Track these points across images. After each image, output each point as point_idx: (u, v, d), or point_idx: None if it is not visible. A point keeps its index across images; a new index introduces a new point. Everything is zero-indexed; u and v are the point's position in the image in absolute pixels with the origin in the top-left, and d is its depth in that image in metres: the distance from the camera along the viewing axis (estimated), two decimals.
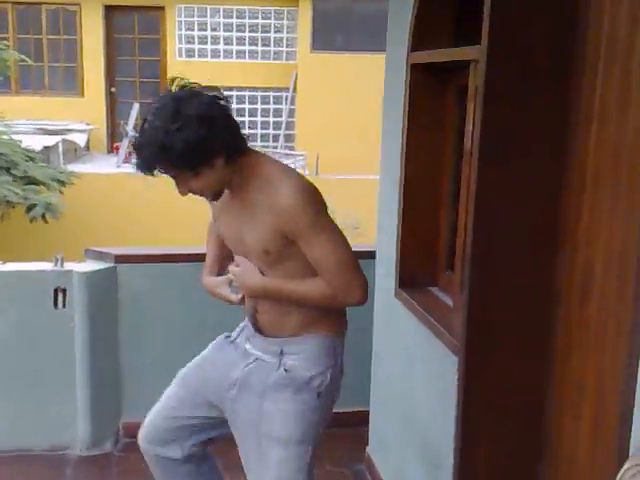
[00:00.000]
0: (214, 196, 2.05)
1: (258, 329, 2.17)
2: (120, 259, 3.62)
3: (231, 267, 2.15)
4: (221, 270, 2.27)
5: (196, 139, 1.86)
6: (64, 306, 3.41)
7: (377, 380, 3.40)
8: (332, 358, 2.15)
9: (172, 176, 1.97)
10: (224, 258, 2.29)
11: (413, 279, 2.93)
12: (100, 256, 3.66)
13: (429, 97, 2.87)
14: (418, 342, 2.76)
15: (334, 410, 3.65)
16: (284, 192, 1.95)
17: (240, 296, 2.17)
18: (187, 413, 2.27)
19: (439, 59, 2.73)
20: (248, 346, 2.20)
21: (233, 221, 2.10)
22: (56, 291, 3.40)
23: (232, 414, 2.19)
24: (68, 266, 3.47)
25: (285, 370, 2.10)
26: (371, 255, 3.43)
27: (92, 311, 3.44)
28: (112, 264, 3.58)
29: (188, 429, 2.28)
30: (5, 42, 9.70)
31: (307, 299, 2.06)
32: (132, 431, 3.58)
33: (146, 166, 1.92)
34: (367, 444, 3.49)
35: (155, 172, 1.94)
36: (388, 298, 3.09)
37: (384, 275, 3.21)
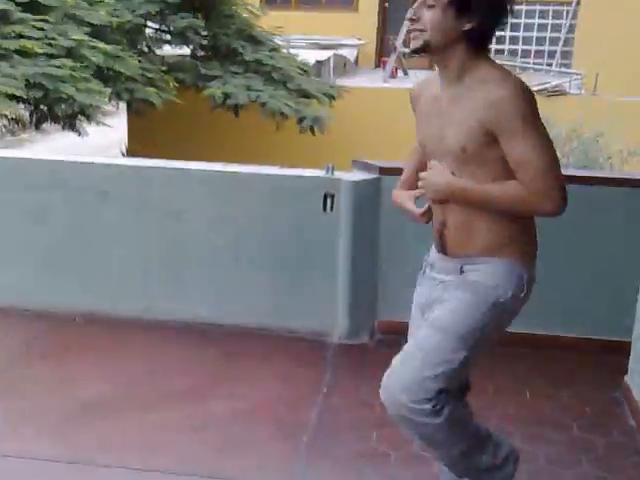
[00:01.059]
0: (422, 47, 2.00)
1: (443, 248, 2.16)
2: (384, 171, 3.81)
3: (422, 173, 2.13)
4: (414, 187, 2.24)
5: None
6: (332, 210, 3.70)
7: None
8: (515, 283, 2.09)
9: None
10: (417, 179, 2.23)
11: None
12: (366, 167, 3.88)
13: None
14: None
15: (594, 336, 3.66)
16: (502, 85, 1.92)
17: (424, 210, 2.16)
18: None
19: None
20: (432, 272, 2.21)
21: (435, 119, 2.08)
22: (325, 196, 3.70)
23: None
24: (337, 174, 3.74)
25: (466, 279, 2.09)
26: None
27: (356, 216, 3.68)
28: (377, 175, 3.80)
29: None
30: None
31: (496, 200, 2.01)
32: (386, 328, 3.89)
33: None
34: (626, 373, 3.41)
35: None
36: None
37: None
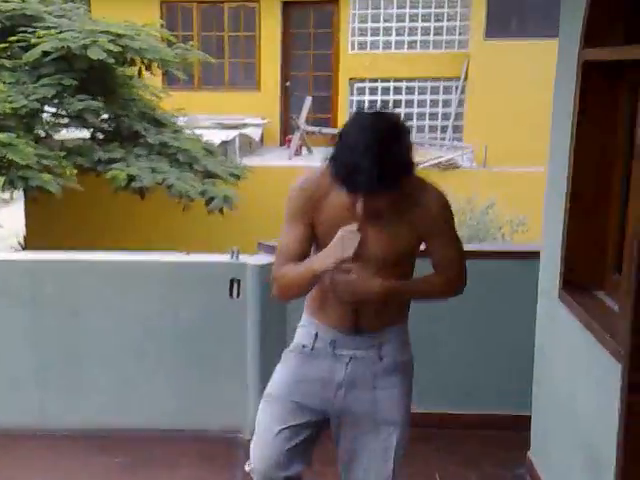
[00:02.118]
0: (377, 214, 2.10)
1: (357, 330, 2.26)
2: None
3: (340, 276, 2.10)
4: None
5: (410, 153, 2.03)
6: (238, 296, 3.65)
7: (539, 384, 3.35)
8: (409, 346, 2.38)
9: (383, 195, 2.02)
10: None
11: (578, 281, 2.87)
12: (272, 250, 3.86)
13: (600, 94, 2.80)
14: (582, 347, 2.71)
15: (496, 412, 3.70)
16: (435, 194, 2.17)
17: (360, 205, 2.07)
18: (295, 423, 2.28)
19: (612, 57, 2.65)
20: (336, 349, 2.28)
21: (375, 231, 2.13)
22: (232, 281, 3.65)
23: (343, 413, 2.28)
24: (242, 258, 3.70)
25: (384, 358, 2.28)
26: (535, 255, 3.38)
27: (264, 301, 3.65)
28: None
29: (300, 444, 2.29)
30: (191, 43, 10.30)
31: (427, 293, 2.30)
32: None
33: (391, 183, 1.98)
34: (529, 448, 3.45)
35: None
36: (551, 300, 3.05)
37: (548, 276, 3.16)
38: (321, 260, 2.09)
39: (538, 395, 3.36)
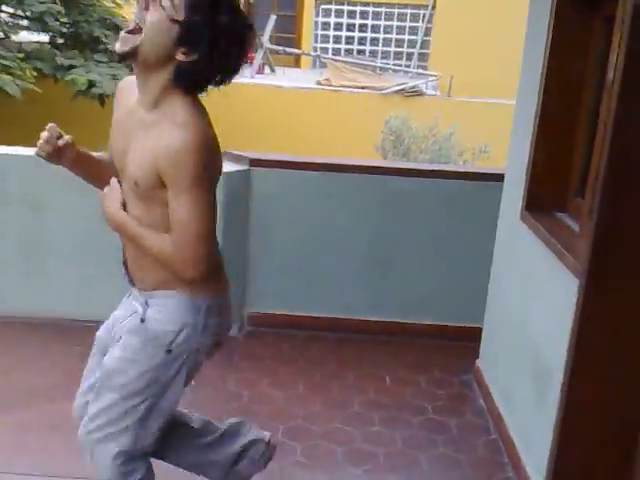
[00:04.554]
0: (130, 52, 1.76)
1: (129, 277, 2.02)
2: (255, 163, 3.88)
3: (104, 190, 1.95)
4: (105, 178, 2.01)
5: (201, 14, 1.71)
6: None
7: (494, 298, 3.52)
8: (191, 317, 1.94)
9: None
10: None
11: (541, 203, 2.99)
12: (237, 159, 3.92)
13: (574, 25, 2.85)
14: (540, 264, 2.84)
15: (448, 324, 3.89)
16: (181, 134, 1.73)
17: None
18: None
19: None
20: (130, 298, 2.07)
21: (124, 135, 1.89)
22: None
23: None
24: None
25: (141, 320, 1.96)
26: (499, 178, 3.50)
27: (228, 208, 3.69)
28: (247, 167, 3.84)
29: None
30: None
31: (146, 248, 1.87)
32: (255, 320, 3.98)
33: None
34: (477, 357, 3.65)
35: None
36: (513, 221, 3.17)
37: (511, 197, 3.27)
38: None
39: (491, 308, 3.54)
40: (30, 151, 3.87)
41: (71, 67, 7.75)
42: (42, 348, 3.57)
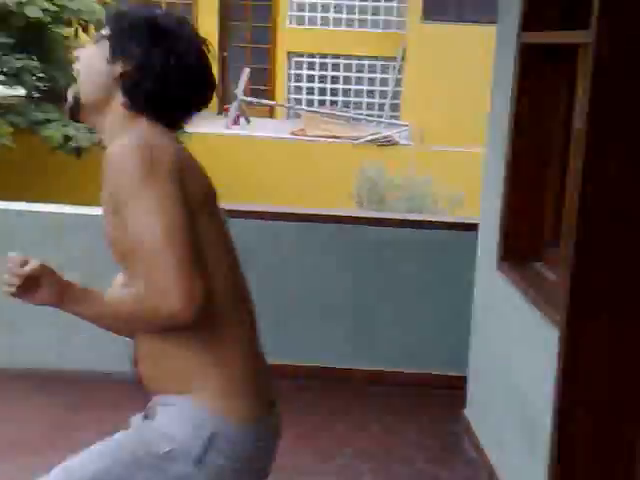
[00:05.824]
0: (73, 105, 1.55)
1: (139, 377, 1.63)
2: (231, 214, 3.89)
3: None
4: None
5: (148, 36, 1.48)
6: None
7: (476, 348, 3.55)
8: (186, 433, 1.50)
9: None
10: None
11: (516, 252, 3.02)
12: None
13: (539, 76, 2.91)
14: (519, 315, 2.87)
15: (432, 372, 3.88)
16: (110, 149, 1.45)
17: None
18: None
19: (551, 40, 2.79)
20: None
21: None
22: None
23: None
24: None
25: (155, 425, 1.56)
26: (473, 227, 3.56)
27: None
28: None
29: None
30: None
31: (123, 315, 1.48)
32: None
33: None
34: (464, 405, 3.64)
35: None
36: (490, 271, 3.21)
37: (486, 247, 3.33)
38: None
39: (475, 357, 3.56)
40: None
41: (48, 121, 7.81)
42: (24, 399, 3.52)
